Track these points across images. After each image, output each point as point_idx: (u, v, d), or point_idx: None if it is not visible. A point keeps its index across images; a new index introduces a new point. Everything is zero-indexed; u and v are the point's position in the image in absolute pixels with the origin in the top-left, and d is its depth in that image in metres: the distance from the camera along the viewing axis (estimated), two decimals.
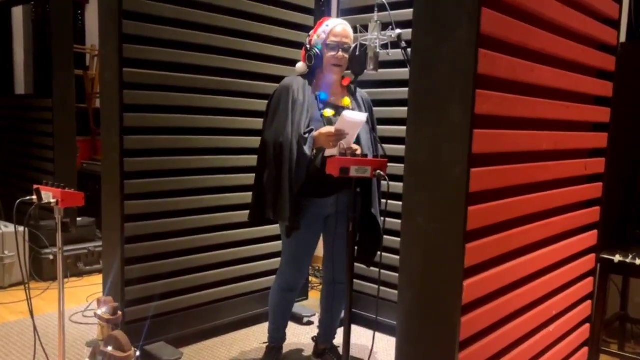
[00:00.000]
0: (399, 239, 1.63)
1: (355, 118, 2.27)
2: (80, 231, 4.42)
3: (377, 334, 3.08)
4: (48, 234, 4.14)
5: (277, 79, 3.04)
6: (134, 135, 2.73)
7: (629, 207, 2.96)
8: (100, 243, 4.29)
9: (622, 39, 2.78)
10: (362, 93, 2.64)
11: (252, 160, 2.83)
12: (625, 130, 2.84)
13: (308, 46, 2.48)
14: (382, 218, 2.45)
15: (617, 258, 2.66)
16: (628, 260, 2.63)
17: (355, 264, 2.43)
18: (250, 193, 2.56)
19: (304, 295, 3.71)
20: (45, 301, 3.72)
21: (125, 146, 2.70)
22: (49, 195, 2.02)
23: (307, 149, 2.32)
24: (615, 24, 2.27)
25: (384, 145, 2.69)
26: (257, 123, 2.90)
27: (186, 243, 3.00)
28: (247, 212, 2.58)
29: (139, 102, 2.73)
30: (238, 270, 3.28)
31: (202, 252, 3.09)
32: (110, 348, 1.82)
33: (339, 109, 2.48)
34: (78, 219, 4.41)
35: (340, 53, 2.43)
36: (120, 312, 2.02)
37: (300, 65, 2.54)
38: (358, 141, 2.43)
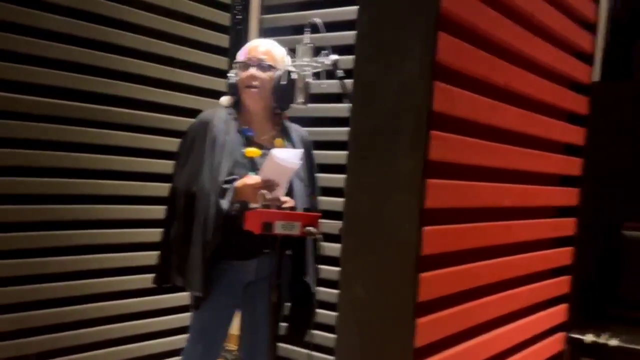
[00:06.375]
0: (334, 314, 1.59)
1: (287, 159, 2.21)
2: None
3: None
4: None
5: (190, 112, 2.98)
6: None
7: (603, 276, 3.05)
8: None
9: (596, 77, 2.92)
10: (299, 131, 2.60)
11: (158, 212, 2.73)
12: (599, 185, 2.95)
13: (230, 75, 2.47)
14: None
15: (589, 338, 2.71)
16: (601, 341, 2.69)
17: (280, 344, 2.36)
18: (155, 253, 2.47)
19: None
20: None
21: None
22: None
23: (224, 202, 2.26)
24: (588, 59, 2.38)
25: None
26: (166, 166, 2.81)
27: (64, 315, 2.85)
28: (150, 276, 2.48)
29: None
30: (134, 349, 3.15)
31: (86, 326, 2.94)
32: None
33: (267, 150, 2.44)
34: None
35: (252, 70, 2.41)
36: None
37: (224, 99, 2.51)
38: (290, 191, 2.38)
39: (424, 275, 1.51)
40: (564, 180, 2.39)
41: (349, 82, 1.72)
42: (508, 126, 1.86)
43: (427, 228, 1.50)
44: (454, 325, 1.72)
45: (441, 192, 1.55)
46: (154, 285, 2.48)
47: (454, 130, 1.58)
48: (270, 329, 2.06)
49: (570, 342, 2.70)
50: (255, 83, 2.38)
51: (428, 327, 1.56)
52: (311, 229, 2.02)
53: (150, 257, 2.51)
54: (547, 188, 2.22)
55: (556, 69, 2.15)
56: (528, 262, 2.12)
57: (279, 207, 2.14)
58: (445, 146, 1.53)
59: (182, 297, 3.17)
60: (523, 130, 1.96)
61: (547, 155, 2.16)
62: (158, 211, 2.58)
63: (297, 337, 2.56)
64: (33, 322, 2.75)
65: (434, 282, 1.57)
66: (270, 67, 2.39)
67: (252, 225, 1.99)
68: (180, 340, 3.25)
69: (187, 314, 3.16)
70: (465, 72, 1.61)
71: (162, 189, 2.94)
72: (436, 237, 1.55)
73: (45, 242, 2.77)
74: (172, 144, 2.78)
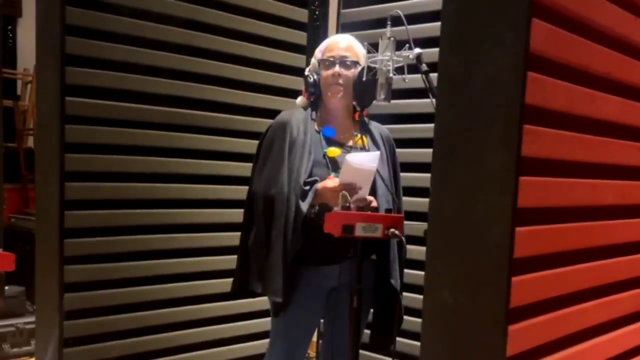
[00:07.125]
0: (419, 320, 1.59)
1: (363, 162, 2.20)
2: (6, 303, 4.31)
3: None
4: None
5: (268, 112, 3.01)
6: (79, 182, 2.68)
7: None
8: (31, 319, 4.19)
9: None
10: (380, 129, 2.59)
11: (236, 215, 2.78)
12: None
13: (308, 74, 2.48)
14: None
15: None
16: None
17: (363, 352, 2.34)
18: (233, 257, 2.51)
19: None
20: None
21: (67, 196, 2.65)
22: None
23: (304, 204, 2.26)
24: None
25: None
26: (244, 169, 2.85)
27: (143, 320, 2.93)
28: (229, 280, 2.52)
29: (85, 141, 2.69)
30: (214, 354, 3.20)
31: (165, 330, 3.02)
32: None
33: (349, 149, 2.44)
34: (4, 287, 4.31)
35: (338, 69, 2.40)
36: None
37: (300, 100, 2.53)
38: (373, 191, 2.37)
39: (517, 279, 1.47)
40: None
41: (433, 76, 1.70)
42: (609, 118, 1.79)
43: (520, 229, 1.46)
44: (549, 332, 1.66)
45: (535, 191, 1.51)
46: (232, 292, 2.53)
47: (549, 124, 1.53)
48: (352, 336, 2.04)
49: None
50: (340, 81, 2.38)
51: (521, 335, 1.52)
52: (394, 231, 2.00)
53: (231, 261, 2.54)
54: None
55: None
56: (633, 264, 2.04)
57: (364, 207, 2.13)
58: (539, 141, 1.49)
59: (262, 302, 3.20)
60: (626, 122, 1.89)
61: None
62: (237, 215, 2.61)
63: (381, 345, 2.54)
64: (111, 326, 2.83)
65: (527, 286, 1.52)
66: (354, 64, 2.39)
67: (331, 227, 1.98)
68: (259, 345, 3.29)
69: (267, 319, 3.19)
70: (561, 61, 1.55)
71: (238, 192, 2.99)
72: (530, 239, 1.51)
73: (125, 246, 2.86)
74: (250, 145, 2.82)
